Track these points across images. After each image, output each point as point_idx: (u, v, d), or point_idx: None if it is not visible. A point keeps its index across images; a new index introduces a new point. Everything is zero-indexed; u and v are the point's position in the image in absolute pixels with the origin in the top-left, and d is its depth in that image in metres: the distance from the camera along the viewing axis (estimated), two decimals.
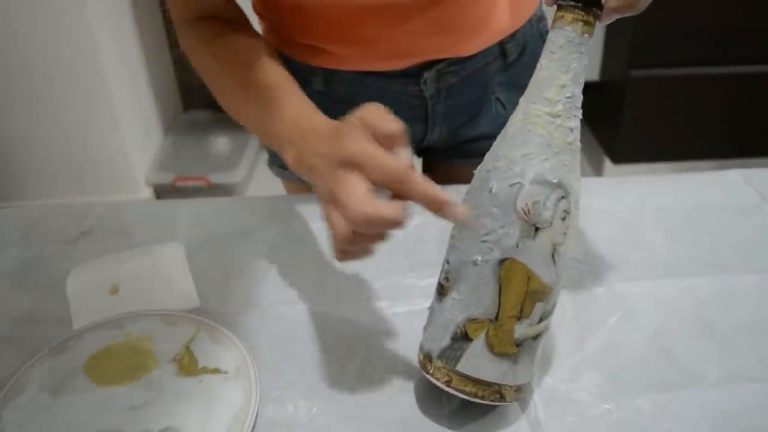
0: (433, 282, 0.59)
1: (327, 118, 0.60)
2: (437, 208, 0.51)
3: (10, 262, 0.78)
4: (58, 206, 0.90)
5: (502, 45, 0.86)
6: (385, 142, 0.52)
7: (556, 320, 0.68)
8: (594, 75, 2.34)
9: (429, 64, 0.83)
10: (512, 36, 0.86)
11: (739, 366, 0.64)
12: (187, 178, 2.26)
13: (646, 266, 0.76)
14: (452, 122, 0.90)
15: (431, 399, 0.61)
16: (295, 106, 0.63)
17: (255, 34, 0.75)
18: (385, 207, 0.50)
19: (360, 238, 0.52)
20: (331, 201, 0.53)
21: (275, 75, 0.67)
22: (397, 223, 0.50)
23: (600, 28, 2.29)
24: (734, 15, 2.05)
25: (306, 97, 0.65)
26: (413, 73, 0.83)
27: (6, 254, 0.80)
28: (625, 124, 2.24)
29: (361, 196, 0.50)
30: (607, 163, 2.34)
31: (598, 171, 2.42)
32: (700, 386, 0.62)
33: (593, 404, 0.60)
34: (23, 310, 0.72)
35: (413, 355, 0.62)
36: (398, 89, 0.85)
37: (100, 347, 0.65)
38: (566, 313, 0.69)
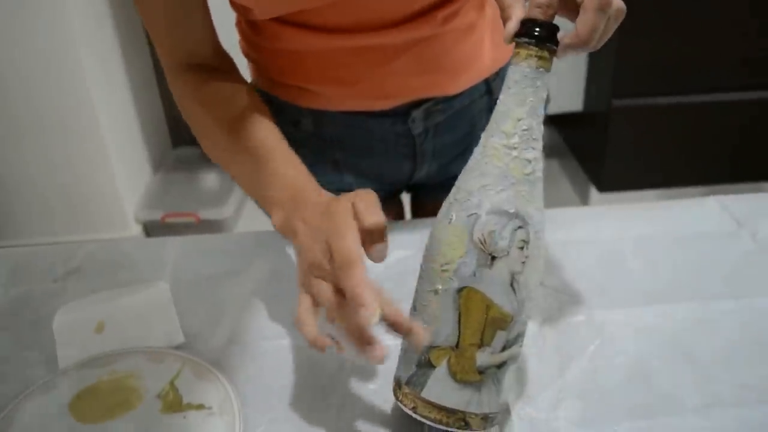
0: None
1: (319, 189, 0.62)
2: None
3: None
4: (45, 246, 0.91)
5: (488, 83, 0.88)
6: (367, 234, 0.54)
7: (535, 349, 0.69)
8: (578, 105, 2.37)
9: (416, 103, 0.84)
10: (497, 74, 0.88)
11: (719, 392, 0.65)
12: (176, 215, 2.26)
13: (625, 294, 0.77)
14: (441, 159, 0.91)
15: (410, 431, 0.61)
16: (290, 172, 0.65)
17: (243, 81, 0.76)
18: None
19: (342, 308, 0.53)
20: (313, 270, 0.55)
21: (268, 135, 0.69)
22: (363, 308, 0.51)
23: (582, 59, 2.33)
24: (715, 44, 2.09)
25: (299, 160, 0.67)
26: (401, 113, 0.84)
27: None
28: (609, 152, 2.26)
29: (354, 243, 0.52)
30: (593, 192, 2.37)
31: (584, 199, 2.44)
32: (680, 413, 0.63)
33: None
34: (9, 349, 0.72)
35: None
36: (387, 128, 0.85)
37: (85, 385, 0.66)
38: (546, 341, 0.70)
